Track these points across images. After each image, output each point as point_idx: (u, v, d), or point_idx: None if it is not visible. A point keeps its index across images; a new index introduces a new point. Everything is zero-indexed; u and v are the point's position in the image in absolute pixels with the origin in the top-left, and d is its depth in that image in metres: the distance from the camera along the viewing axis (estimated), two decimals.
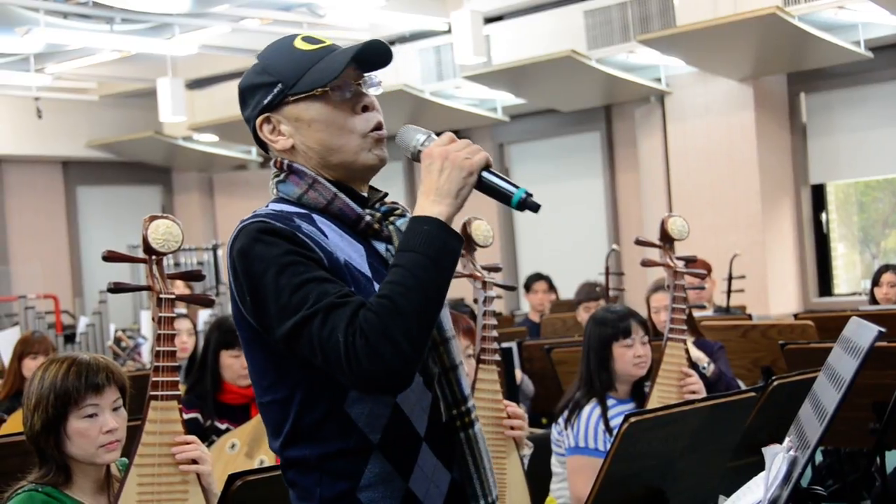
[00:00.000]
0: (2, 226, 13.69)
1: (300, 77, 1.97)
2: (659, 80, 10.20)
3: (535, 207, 1.88)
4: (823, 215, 10.22)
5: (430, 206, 1.86)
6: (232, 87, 14.17)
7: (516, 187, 1.89)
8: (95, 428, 2.56)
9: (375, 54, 1.98)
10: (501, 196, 1.90)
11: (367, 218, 1.99)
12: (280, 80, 1.98)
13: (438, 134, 1.96)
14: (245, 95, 2.06)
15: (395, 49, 11.38)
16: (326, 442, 1.90)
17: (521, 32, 10.53)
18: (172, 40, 10.19)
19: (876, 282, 6.52)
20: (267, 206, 2.02)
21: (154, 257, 2.82)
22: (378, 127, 2.01)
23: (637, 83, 10.08)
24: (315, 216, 1.96)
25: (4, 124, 13.12)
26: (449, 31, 10.41)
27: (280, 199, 2.01)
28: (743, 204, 9.76)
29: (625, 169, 11.17)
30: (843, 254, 10.43)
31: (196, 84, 12.97)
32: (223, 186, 14.73)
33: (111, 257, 2.83)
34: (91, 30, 9.99)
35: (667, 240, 3.91)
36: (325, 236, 1.92)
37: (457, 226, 1.90)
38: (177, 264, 11.59)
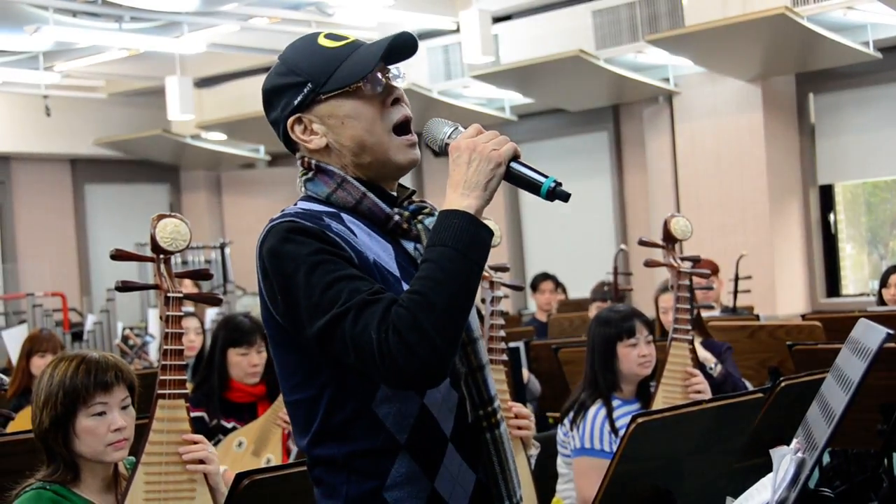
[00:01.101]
0: (10, 223, 13.72)
1: (331, 74, 1.95)
2: (667, 80, 10.19)
3: (565, 197, 1.88)
4: (831, 216, 10.20)
5: (459, 199, 1.85)
6: (240, 86, 14.17)
7: (545, 177, 1.88)
8: (104, 426, 2.57)
9: (403, 46, 1.98)
10: (531, 186, 1.89)
11: (396, 218, 1.98)
12: (310, 80, 1.96)
13: (465, 126, 1.95)
14: (271, 98, 2.03)
15: None
16: (354, 441, 1.90)
17: (529, 32, 10.52)
18: (181, 39, 10.20)
19: (884, 283, 6.51)
20: (296, 203, 2.01)
21: (162, 256, 2.83)
22: (407, 121, 2.00)
23: (645, 83, 10.07)
24: (344, 215, 1.96)
25: (13, 122, 13.15)
26: (457, 31, 10.41)
27: (308, 198, 2.00)
28: (751, 204, 9.75)
29: (632, 169, 11.16)
30: (850, 254, 10.41)
31: (204, 82, 12.98)
32: (231, 185, 14.73)
33: (119, 256, 2.84)
34: (100, 28, 10.01)
35: (670, 240, 3.91)
36: (355, 235, 1.92)
37: None
38: (184, 262, 11.60)
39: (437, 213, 1.99)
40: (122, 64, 11.84)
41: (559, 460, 4.05)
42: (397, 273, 1.93)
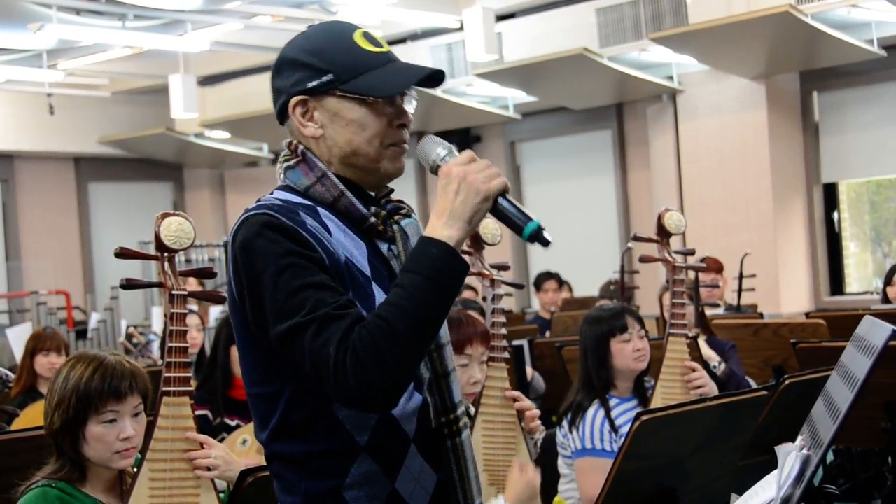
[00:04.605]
0: (14, 222, 13.74)
1: (355, 76, 1.93)
2: (671, 78, 10.18)
3: (545, 242, 1.83)
4: (835, 214, 10.19)
5: (441, 228, 1.81)
6: (244, 84, 14.16)
7: (530, 219, 1.84)
8: (113, 434, 2.56)
9: (431, 80, 1.97)
10: (513, 225, 1.85)
11: (372, 219, 1.97)
12: (332, 71, 1.94)
13: (460, 150, 1.93)
14: (284, 67, 1.99)
15: (406, 46, 11.40)
16: (313, 441, 1.90)
17: (533, 30, 10.51)
18: (184, 37, 10.20)
19: (888, 281, 6.49)
20: (272, 192, 2.00)
21: (166, 254, 2.82)
22: (403, 141, 1.99)
23: (649, 81, 10.06)
24: (320, 209, 1.95)
25: (17, 120, 13.16)
26: (461, 29, 10.40)
27: (287, 188, 1.99)
28: (755, 202, 9.74)
29: (636, 167, 11.16)
30: (854, 253, 10.41)
31: (208, 81, 12.98)
32: (234, 183, 14.75)
33: (124, 254, 2.83)
34: (103, 26, 10.02)
35: (664, 234, 3.91)
36: (329, 232, 1.91)
37: None
38: (188, 260, 11.61)
39: (413, 216, 2.01)
40: (125, 62, 11.84)
41: (560, 461, 4.04)
42: (368, 273, 1.92)
